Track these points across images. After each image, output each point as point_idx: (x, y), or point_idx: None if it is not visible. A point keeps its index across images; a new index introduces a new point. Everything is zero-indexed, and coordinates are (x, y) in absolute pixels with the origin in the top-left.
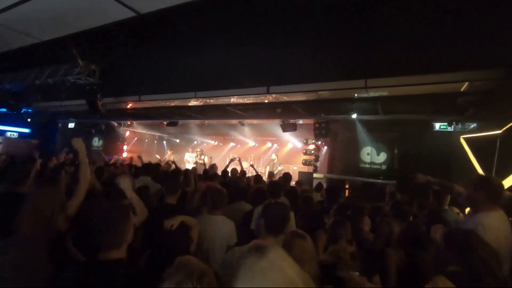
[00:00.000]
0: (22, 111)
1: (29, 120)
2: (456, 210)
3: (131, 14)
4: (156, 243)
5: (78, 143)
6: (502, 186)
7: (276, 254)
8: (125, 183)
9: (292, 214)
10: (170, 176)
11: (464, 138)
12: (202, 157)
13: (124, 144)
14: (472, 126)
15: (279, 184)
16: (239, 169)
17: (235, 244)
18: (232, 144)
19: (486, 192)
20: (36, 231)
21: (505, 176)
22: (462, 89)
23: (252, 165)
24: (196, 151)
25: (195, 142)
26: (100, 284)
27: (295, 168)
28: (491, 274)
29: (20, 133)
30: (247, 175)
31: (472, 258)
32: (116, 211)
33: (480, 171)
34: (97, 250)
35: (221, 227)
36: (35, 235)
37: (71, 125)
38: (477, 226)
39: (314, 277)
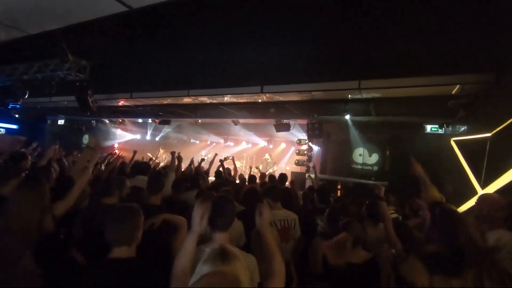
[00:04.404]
0: (9, 107)
1: (17, 116)
2: (453, 207)
3: (123, 8)
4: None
5: (93, 150)
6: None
7: (237, 264)
8: None
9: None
10: (152, 175)
11: (455, 141)
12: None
13: (115, 142)
14: (462, 129)
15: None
16: (232, 168)
17: (244, 244)
18: (228, 143)
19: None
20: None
21: (494, 178)
22: (453, 92)
23: (251, 167)
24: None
25: (191, 141)
26: (113, 283)
27: (288, 168)
28: (474, 245)
29: (7, 129)
30: (242, 175)
31: (458, 236)
32: (126, 209)
33: (470, 173)
34: (106, 250)
35: None
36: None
37: (61, 122)
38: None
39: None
